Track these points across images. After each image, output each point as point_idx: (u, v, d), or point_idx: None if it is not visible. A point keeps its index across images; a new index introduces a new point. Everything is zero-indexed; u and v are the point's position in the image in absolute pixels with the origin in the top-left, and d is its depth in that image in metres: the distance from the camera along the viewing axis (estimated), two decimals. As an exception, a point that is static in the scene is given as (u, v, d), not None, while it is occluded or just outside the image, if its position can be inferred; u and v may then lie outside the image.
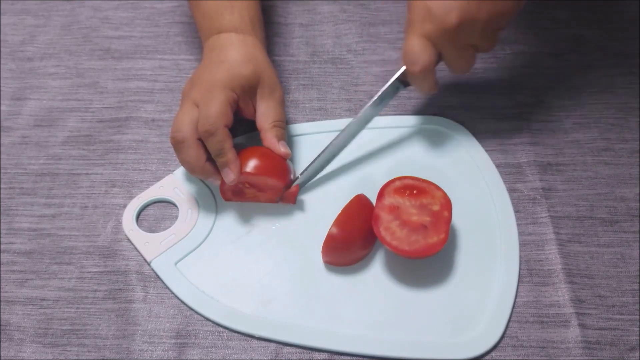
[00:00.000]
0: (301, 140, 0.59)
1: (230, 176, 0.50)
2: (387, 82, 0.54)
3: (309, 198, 0.55)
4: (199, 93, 0.52)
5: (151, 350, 0.48)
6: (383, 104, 0.55)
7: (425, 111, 0.61)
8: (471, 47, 0.51)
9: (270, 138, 0.52)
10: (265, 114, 0.53)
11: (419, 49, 0.49)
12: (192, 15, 0.61)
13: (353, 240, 0.50)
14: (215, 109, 0.50)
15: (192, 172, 0.52)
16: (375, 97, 0.54)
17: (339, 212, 0.49)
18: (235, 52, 0.53)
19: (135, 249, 0.53)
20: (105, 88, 0.65)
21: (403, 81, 0.54)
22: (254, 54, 0.54)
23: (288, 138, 0.58)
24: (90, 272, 0.52)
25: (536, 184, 0.55)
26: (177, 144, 0.51)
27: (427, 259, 0.50)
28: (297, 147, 0.58)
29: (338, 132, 0.54)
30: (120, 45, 0.69)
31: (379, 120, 0.59)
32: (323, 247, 0.50)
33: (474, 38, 0.50)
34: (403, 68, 0.53)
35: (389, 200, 0.50)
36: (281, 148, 0.52)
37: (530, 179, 0.56)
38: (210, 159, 0.51)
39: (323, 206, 0.54)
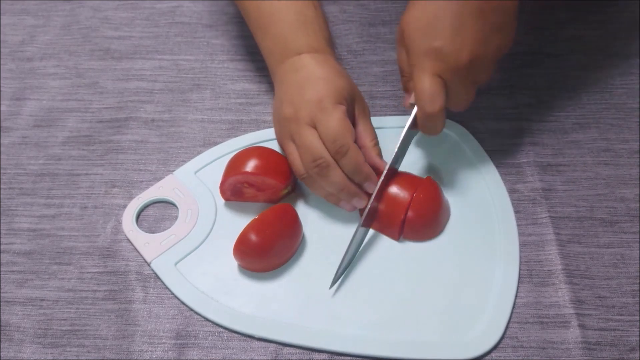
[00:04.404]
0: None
1: (372, 188, 0.50)
2: (399, 137, 0.51)
3: (307, 199, 0.55)
4: (310, 113, 0.50)
5: (151, 351, 0.48)
6: (400, 160, 0.53)
7: (425, 111, 0.61)
8: (474, 82, 0.50)
9: (374, 157, 0.52)
10: (365, 132, 0.53)
11: (436, 89, 0.48)
12: (256, 39, 0.58)
13: (269, 248, 0.49)
14: (338, 126, 0.49)
15: (340, 192, 0.50)
16: (393, 155, 0.51)
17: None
18: (326, 69, 0.52)
19: (135, 249, 0.53)
20: (105, 88, 0.65)
21: (411, 128, 0.52)
22: (342, 71, 0.54)
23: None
24: (90, 272, 0.52)
25: (536, 185, 0.55)
26: (323, 170, 0.49)
27: (427, 258, 0.50)
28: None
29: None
30: (120, 45, 0.69)
31: (379, 121, 0.59)
32: (234, 249, 0.49)
33: (480, 73, 0.49)
34: (413, 112, 0.51)
35: None
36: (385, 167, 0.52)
37: (530, 179, 0.56)
38: None
39: (322, 207, 0.54)
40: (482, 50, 0.47)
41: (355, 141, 0.50)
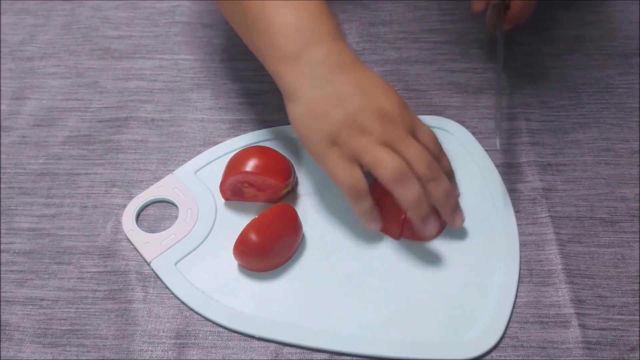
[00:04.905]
0: (301, 140, 0.59)
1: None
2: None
3: (308, 199, 0.55)
4: (406, 119, 0.48)
5: (151, 351, 0.48)
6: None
7: (425, 111, 0.61)
8: None
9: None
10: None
11: None
12: (256, 39, 0.53)
13: (269, 247, 0.49)
14: (434, 136, 0.50)
15: (414, 207, 0.46)
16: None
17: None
18: (371, 72, 0.51)
19: (135, 249, 0.53)
20: (105, 88, 0.65)
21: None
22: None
23: (287, 139, 0.58)
24: (89, 272, 0.52)
25: (536, 184, 0.55)
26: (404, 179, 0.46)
27: (427, 258, 0.50)
28: (297, 149, 0.58)
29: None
30: (120, 45, 0.69)
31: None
32: (234, 249, 0.49)
33: None
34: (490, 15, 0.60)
35: None
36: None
37: (530, 179, 0.56)
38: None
39: (322, 207, 0.54)
40: None
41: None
